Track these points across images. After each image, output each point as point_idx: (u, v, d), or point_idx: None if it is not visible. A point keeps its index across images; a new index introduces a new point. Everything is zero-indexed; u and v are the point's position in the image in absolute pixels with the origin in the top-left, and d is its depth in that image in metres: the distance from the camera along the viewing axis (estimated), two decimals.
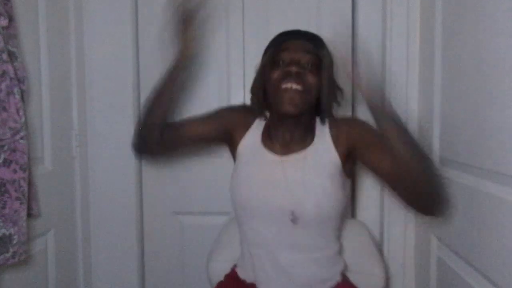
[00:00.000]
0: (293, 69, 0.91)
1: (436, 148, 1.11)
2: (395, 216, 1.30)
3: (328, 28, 1.42)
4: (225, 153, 1.46)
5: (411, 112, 1.26)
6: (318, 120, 1.02)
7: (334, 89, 0.98)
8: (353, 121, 1.05)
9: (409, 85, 1.26)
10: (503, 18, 0.77)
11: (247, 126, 1.06)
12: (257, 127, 1.05)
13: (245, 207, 0.99)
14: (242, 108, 1.14)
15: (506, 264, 0.77)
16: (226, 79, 1.47)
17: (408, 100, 1.26)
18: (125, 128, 1.45)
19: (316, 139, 0.99)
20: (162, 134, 1.01)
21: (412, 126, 1.26)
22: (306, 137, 1.00)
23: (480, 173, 0.87)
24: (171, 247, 1.51)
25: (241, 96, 1.45)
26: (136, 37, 1.46)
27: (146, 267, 1.53)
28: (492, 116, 0.81)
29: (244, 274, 1.03)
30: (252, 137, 1.04)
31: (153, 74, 1.47)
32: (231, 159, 1.54)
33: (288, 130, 1.00)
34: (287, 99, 0.91)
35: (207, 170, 1.45)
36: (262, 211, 0.96)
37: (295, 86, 0.90)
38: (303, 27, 1.43)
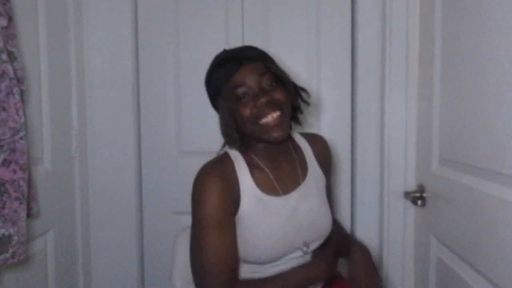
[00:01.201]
0: (262, 100, 0.86)
1: (435, 148, 1.11)
2: (394, 216, 1.30)
3: (328, 28, 1.42)
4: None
5: (410, 112, 1.26)
6: (294, 135, 1.04)
7: (297, 90, 0.97)
8: (325, 142, 1.08)
9: (408, 85, 1.26)
10: (502, 18, 0.77)
11: (235, 188, 0.90)
12: (244, 177, 0.91)
13: (261, 261, 0.91)
14: (215, 180, 0.89)
15: (505, 263, 0.77)
16: None
17: (408, 100, 1.26)
18: (124, 128, 1.45)
19: (307, 160, 1.00)
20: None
21: (412, 127, 1.26)
22: (298, 158, 1.00)
23: (479, 173, 0.87)
24: (171, 247, 1.51)
25: None
26: (135, 37, 1.46)
27: (146, 266, 1.53)
28: (492, 116, 0.81)
29: None
30: (248, 193, 0.90)
31: (152, 74, 1.48)
32: None
33: (279, 153, 0.96)
34: (271, 129, 0.87)
35: None
36: (281, 257, 0.91)
37: (273, 114, 0.87)
38: (302, 28, 1.44)
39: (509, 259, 0.75)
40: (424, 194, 1.17)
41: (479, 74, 0.86)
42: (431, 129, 1.12)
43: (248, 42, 1.45)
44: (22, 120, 0.96)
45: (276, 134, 0.87)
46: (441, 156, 1.08)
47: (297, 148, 1.02)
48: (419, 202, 1.18)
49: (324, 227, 0.97)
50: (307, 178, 0.98)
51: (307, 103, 0.98)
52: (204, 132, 1.47)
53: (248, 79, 0.89)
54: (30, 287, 1.15)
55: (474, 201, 0.89)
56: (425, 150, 1.17)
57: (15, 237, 0.94)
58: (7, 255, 0.92)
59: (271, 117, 0.87)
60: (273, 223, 0.90)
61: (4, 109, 0.92)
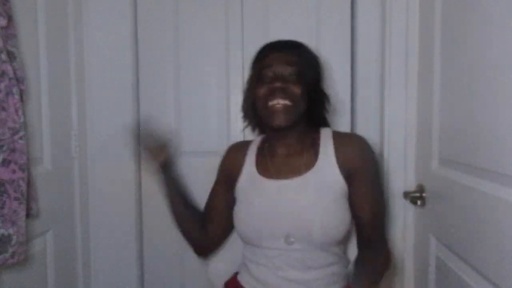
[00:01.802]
0: (277, 84, 0.92)
1: (435, 148, 1.11)
2: (394, 216, 1.30)
3: (328, 28, 1.42)
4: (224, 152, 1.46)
5: (410, 112, 1.26)
6: (323, 133, 1.01)
7: (320, 96, 1.00)
8: (357, 143, 0.99)
9: (408, 85, 1.26)
10: (502, 18, 0.77)
11: (240, 164, 1.05)
12: (250, 157, 1.05)
13: (248, 240, 0.99)
14: (230, 150, 1.12)
15: (504, 263, 0.77)
16: (225, 80, 1.46)
17: (407, 100, 1.26)
18: (124, 128, 1.45)
19: (320, 157, 0.97)
20: (208, 235, 1.08)
21: (412, 127, 1.26)
22: (308, 154, 0.99)
23: (478, 173, 0.87)
24: (170, 247, 1.51)
25: (240, 95, 1.45)
26: (135, 37, 1.46)
27: (145, 266, 1.53)
28: (491, 116, 0.81)
29: (247, 283, 1.02)
30: (247, 170, 1.03)
31: (152, 74, 1.48)
32: None
33: (284, 145, 1.00)
34: (275, 114, 0.92)
35: (206, 170, 1.45)
36: (263, 241, 0.96)
37: (281, 101, 0.92)
38: (302, 28, 1.44)
39: (509, 259, 0.75)
40: (423, 194, 1.17)
41: (479, 74, 0.86)
42: (430, 129, 1.12)
43: (247, 42, 1.45)
44: (22, 120, 0.96)
45: (277, 121, 0.93)
46: (441, 156, 1.08)
47: (316, 144, 1.00)
48: (419, 202, 1.18)
49: (315, 230, 0.91)
50: (309, 172, 0.96)
51: (326, 110, 1.02)
52: (204, 132, 1.47)
53: (275, 64, 0.95)
54: (30, 287, 1.15)
55: (474, 201, 0.89)
56: (425, 150, 1.17)
57: (15, 237, 0.94)
58: (6, 255, 0.92)
59: (278, 101, 0.92)
60: (256, 202, 0.97)
61: (3, 109, 0.92)
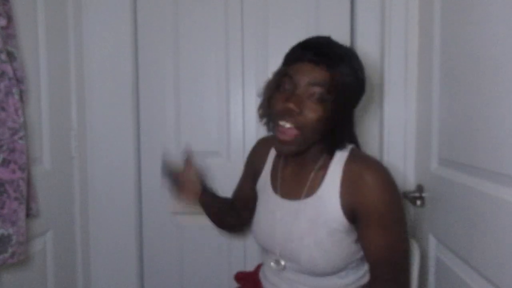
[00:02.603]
0: (290, 105, 0.80)
1: (434, 148, 1.11)
2: None
3: (327, 29, 1.42)
4: (224, 152, 1.47)
5: (409, 113, 1.26)
6: (338, 156, 0.89)
7: (347, 121, 0.88)
8: (369, 184, 0.83)
9: (407, 85, 1.26)
10: (502, 18, 0.77)
11: (263, 161, 1.04)
12: (270, 158, 1.03)
13: (258, 243, 1.01)
14: (258, 143, 1.12)
15: (504, 263, 0.77)
16: (225, 80, 1.46)
17: (407, 100, 1.26)
18: (124, 128, 1.45)
19: (324, 185, 0.87)
20: (246, 220, 1.12)
21: (411, 127, 1.26)
22: (315, 177, 0.90)
23: (478, 173, 0.87)
24: (170, 247, 1.51)
25: (240, 94, 1.45)
26: (135, 37, 1.46)
27: (145, 267, 1.53)
28: (491, 116, 0.81)
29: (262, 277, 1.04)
30: (266, 172, 1.03)
31: (152, 74, 1.48)
32: (230, 159, 1.54)
33: (294, 162, 0.95)
34: (280, 140, 0.84)
35: (206, 171, 1.45)
36: (267, 249, 0.98)
37: (289, 125, 0.82)
38: (301, 28, 1.44)
39: (508, 259, 0.75)
40: (423, 194, 1.18)
41: (478, 74, 0.86)
42: (430, 129, 1.12)
43: (247, 42, 1.46)
44: (21, 120, 0.96)
45: (279, 148, 0.86)
46: (440, 156, 1.08)
47: (322, 169, 0.90)
48: (418, 202, 1.18)
49: (303, 261, 0.86)
50: (309, 199, 0.88)
51: (339, 146, 0.90)
52: (203, 132, 1.47)
53: (298, 77, 0.82)
54: (29, 287, 1.15)
55: (473, 201, 0.89)
56: (424, 150, 1.17)
57: (14, 237, 0.94)
58: (6, 255, 0.92)
59: (285, 125, 0.82)
60: (262, 212, 0.99)
61: (3, 109, 0.92)
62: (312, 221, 0.87)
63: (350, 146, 0.92)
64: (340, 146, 0.89)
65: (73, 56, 1.36)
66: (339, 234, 0.85)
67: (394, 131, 1.29)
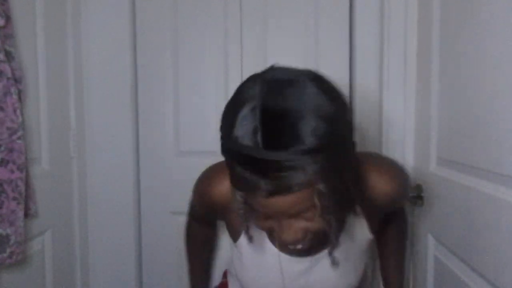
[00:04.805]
0: (283, 237, 0.60)
1: (433, 148, 1.11)
2: None
3: (327, 28, 1.42)
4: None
5: (408, 112, 1.26)
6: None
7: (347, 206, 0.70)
8: (384, 194, 0.75)
9: (406, 85, 1.26)
10: (501, 17, 0.77)
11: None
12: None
13: None
14: (215, 193, 0.78)
15: (503, 263, 0.77)
16: (224, 79, 1.46)
17: (406, 100, 1.26)
18: (123, 128, 1.45)
19: (350, 227, 0.76)
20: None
21: (410, 127, 1.27)
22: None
23: (477, 173, 0.88)
24: (168, 247, 1.51)
25: None
26: (134, 37, 1.46)
27: (144, 267, 1.53)
28: (490, 116, 0.81)
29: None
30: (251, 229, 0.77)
31: (151, 74, 1.48)
32: None
33: None
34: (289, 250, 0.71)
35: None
36: None
37: (298, 246, 0.64)
38: (300, 28, 1.44)
39: (507, 259, 0.75)
40: (422, 194, 1.18)
41: (477, 74, 0.86)
42: (429, 129, 1.12)
43: (246, 43, 1.45)
44: (20, 120, 0.96)
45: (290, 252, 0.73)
46: (439, 156, 1.08)
47: None
48: (417, 202, 1.18)
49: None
50: (330, 250, 0.74)
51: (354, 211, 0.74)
52: (202, 132, 1.47)
53: (271, 211, 0.58)
54: (28, 287, 1.15)
55: (472, 201, 0.89)
56: (423, 150, 1.17)
57: (13, 237, 0.94)
58: (4, 255, 0.92)
59: (293, 248, 0.66)
60: (253, 267, 0.78)
61: (1, 109, 0.92)
62: (344, 261, 0.76)
63: None
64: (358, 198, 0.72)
65: (71, 56, 1.35)
66: (367, 254, 0.80)
67: (393, 130, 1.29)
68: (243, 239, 0.77)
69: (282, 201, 0.54)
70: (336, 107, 0.55)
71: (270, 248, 0.76)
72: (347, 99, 0.62)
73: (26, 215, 1.02)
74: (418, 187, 1.19)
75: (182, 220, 1.50)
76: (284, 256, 0.76)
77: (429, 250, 1.14)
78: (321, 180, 0.54)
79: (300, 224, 0.59)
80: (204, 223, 1.01)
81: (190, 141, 1.47)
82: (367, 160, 0.78)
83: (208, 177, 0.81)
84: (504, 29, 0.75)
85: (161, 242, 1.51)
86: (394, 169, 0.79)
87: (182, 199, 1.51)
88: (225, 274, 1.12)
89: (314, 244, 0.66)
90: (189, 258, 1.08)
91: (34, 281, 1.18)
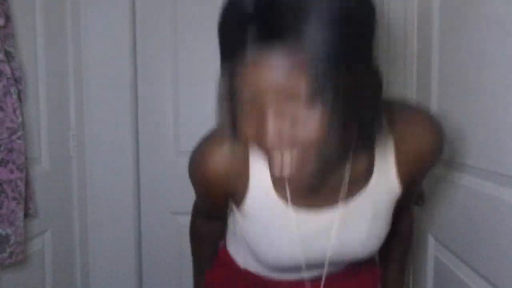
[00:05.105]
0: (268, 132, 0.48)
1: None
2: None
3: None
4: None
5: None
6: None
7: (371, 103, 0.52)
8: (421, 135, 0.65)
9: (406, 84, 1.26)
10: (502, 17, 0.77)
11: (242, 178, 0.66)
12: (257, 171, 0.65)
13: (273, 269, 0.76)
14: (215, 159, 0.68)
15: (503, 263, 0.77)
16: None
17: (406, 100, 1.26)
18: (122, 128, 1.45)
19: (376, 171, 0.64)
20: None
21: None
22: (354, 165, 0.63)
23: (477, 173, 0.88)
24: (168, 247, 1.51)
25: None
26: (133, 37, 1.46)
27: (144, 267, 1.53)
28: (490, 116, 0.81)
29: (246, 265, 0.82)
30: (258, 189, 0.66)
31: (150, 74, 1.48)
32: None
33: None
34: (279, 168, 0.51)
35: None
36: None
37: (288, 157, 0.50)
38: None
39: (507, 259, 0.75)
40: (422, 194, 1.17)
41: (477, 74, 0.86)
42: None
43: None
44: (20, 120, 0.96)
45: (296, 183, 0.57)
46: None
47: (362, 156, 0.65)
48: (417, 202, 1.18)
49: (361, 256, 0.69)
50: (358, 196, 0.65)
51: (378, 129, 0.57)
52: (202, 132, 1.45)
53: (264, 80, 0.46)
54: (28, 287, 1.15)
55: (472, 201, 0.89)
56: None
57: (13, 237, 0.94)
58: (4, 255, 0.92)
59: (284, 159, 0.50)
60: (279, 241, 0.68)
61: (1, 109, 0.92)
62: (371, 215, 0.66)
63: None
64: (379, 124, 0.56)
65: (71, 56, 1.36)
66: (391, 210, 0.68)
67: None
68: (250, 197, 0.66)
69: (271, 72, 0.45)
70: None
71: (280, 206, 0.66)
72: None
73: (26, 215, 1.02)
74: (418, 187, 1.19)
75: (182, 220, 1.51)
76: (298, 214, 0.66)
77: (429, 250, 1.14)
78: (324, 58, 0.44)
79: (290, 115, 0.47)
80: (211, 218, 0.91)
81: (190, 141, 1.47)
82: (404, 105, 0.69)
83: (198, 153, 0.74)
84: (505, 28, 0.75)
85: (161, 242, 1.51)
86: (434, 119, 0.69)
87: (182, 199, 1.52)
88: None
89: (313, 175, 0.52)
90: (194, 259, 0.99)
91: (34, 281, 1.18)
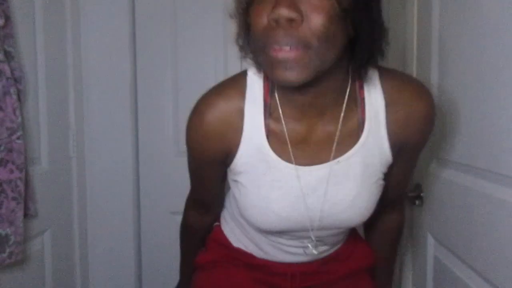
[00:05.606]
0: (284, 12, 0.51)
1: (433, 148, 1.11)
2: None
3: None
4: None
5: None
6: (369, 82, 0.67)
7: (374, 26, 0.58)
8: (413, 100, 0.68)
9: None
10: (502, 17, 0.77)
11: (236, 129, 0.69)
12: (251, 122, 0.68)
13: (266, 232, 0.78)
14: (211, 109, 0.74)
15: (503, 263, 0.77)
16: (223, 78, 1.46)
17: None
18: (122, 128, 1.45)
19: (367, 129, 0.66)
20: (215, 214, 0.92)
21: None
22: (347, 118, 0.67)
23: (476, 173, 0.88)
24: (168, 247, 1.51)
25: None
26: (133, 37, 1.46)
27: (143, 266, 1.53)
28: (490, 116, 0.81)
29: (239, 244, 0.86)
30: (250, 142, 0.69)
31: (150, 74, 1.48)
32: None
33: (310, 102, 0.64)
34: (279, 68, 0.55)
35: None
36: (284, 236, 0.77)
37: (287, 46, 0.54)
38: None
39: (507, 259, 0.76)
40: (421, 194, 1.18)
41: (477, 73, 0.86)
42: None
43: None
44: (19, 120, 0.96)
45: (282, 77, 0.56)
46: (439, 155, 1.08)
47: (358, 102, 0.67)
48: (417, 201, 1.18)
49: (351, 219, 0.71)
50: (350, 153, 0.67)
51: (381, 53, 0.61)
52: None
53: None
54: (27, 287, 1.15)
55: (472, 201, 0.89)
56: (423, 149, 1.17)
57: (12, 237, 0.94)
58: (4, 255, 0.92)
59: (281, 49, 0.54)
60: (274, 198, 0.69)
61: (1, 109, 0.92)
62: (360, 176, 0.68)
63: (373, 70, 0.68)
64: (375, 56, 0.60)
65: (71, 56, 1.35)
66: (382, 180, 0.70)
67: None
68: (241, 158, 0.69)
69: None
70: None
71: (279, 166, 0.68)
72: None
73: (26, 215, 1.02)
74: (418, 187, 1.19)
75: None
76: (291, 168, 0.68)
77: (429, 250, 1.14)
78: None
79: (300, 25, 0.53)
80: (204, 206, 0.92)
81: None
82: (400, 73, 0.75)
83: (196, 107, 0.78)
84: (506, 28, 0.75)
85: (161, 242, 1.51)
86: (426, 89, 0.72)
87: (182, 199, 1.51)
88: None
89: (305, 73, 0.55)
90: (182, 251, 1.00)
91: (33, 281, 1.18)
